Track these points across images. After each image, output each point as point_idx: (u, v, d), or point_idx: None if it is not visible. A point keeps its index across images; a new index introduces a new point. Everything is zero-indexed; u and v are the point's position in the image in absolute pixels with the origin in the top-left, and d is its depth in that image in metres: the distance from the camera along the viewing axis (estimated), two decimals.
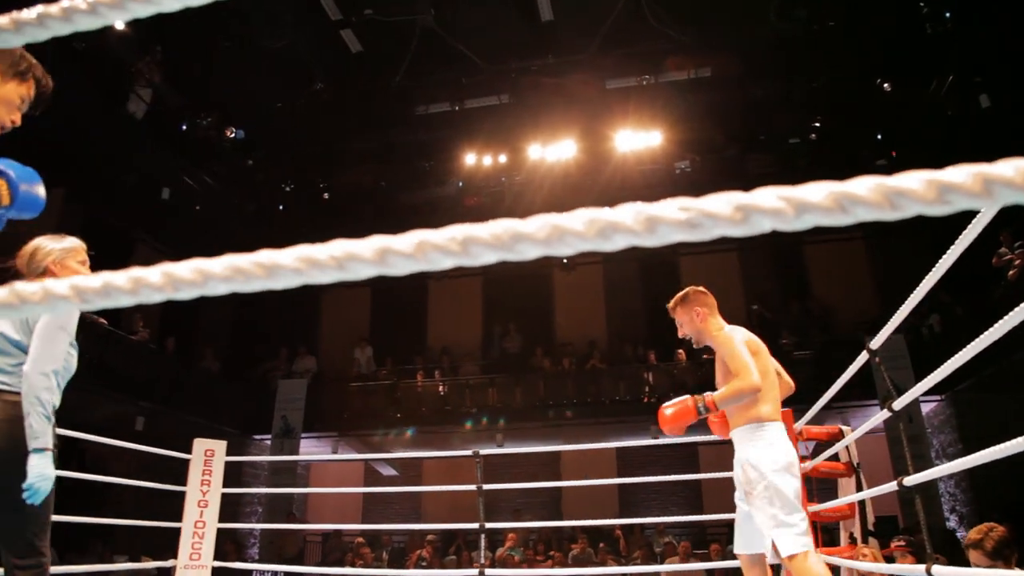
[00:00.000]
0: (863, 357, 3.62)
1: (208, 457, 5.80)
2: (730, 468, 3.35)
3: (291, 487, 12.44)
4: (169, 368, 12.26)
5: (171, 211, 12.94)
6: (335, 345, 15.63)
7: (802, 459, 4.96)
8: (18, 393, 2.28)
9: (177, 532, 5.80)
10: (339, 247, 0.51)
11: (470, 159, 14.39)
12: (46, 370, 2.33)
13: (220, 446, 5.98)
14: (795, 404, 5.38)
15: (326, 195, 15.11)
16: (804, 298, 14.15)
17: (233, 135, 13.81)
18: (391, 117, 13.70)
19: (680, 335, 3.40)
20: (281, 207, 15.13)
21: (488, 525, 5.15)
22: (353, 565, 9.20)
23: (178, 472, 5.95)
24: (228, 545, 9.81)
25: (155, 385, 11.51)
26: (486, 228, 0.47)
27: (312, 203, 14.96)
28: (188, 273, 0.53)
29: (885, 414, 3.20)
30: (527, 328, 14.86)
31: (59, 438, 2.42)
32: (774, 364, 3.33)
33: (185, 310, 14.79)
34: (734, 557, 3.30)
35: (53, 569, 3.09)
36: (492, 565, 8.77)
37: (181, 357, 13.11)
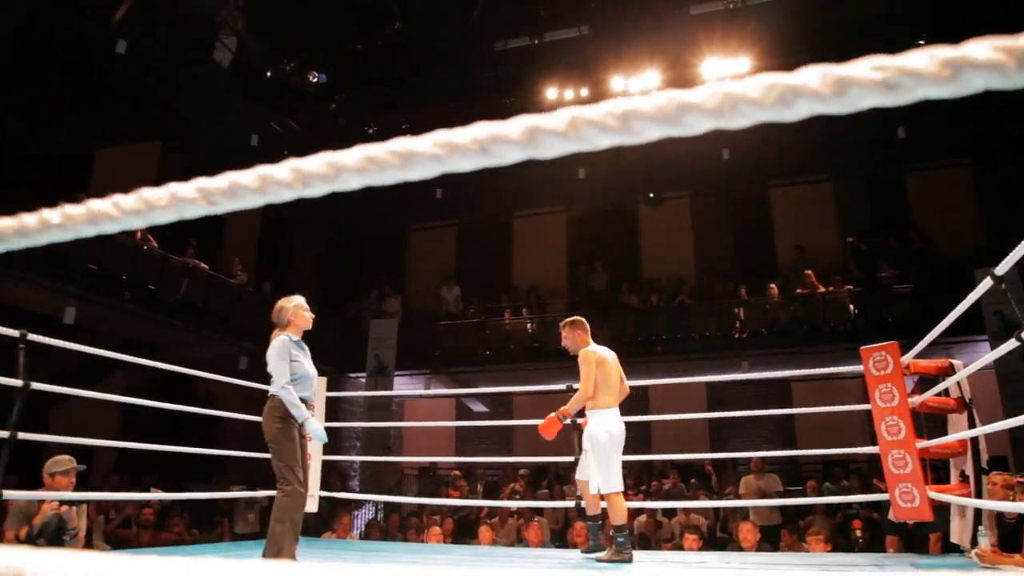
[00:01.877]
0: (984, 284, 3.38)
1: None
2: (824, 404, 5.16)
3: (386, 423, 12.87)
4: (266, 309, 12.72)
5: (260, 158, 13.17)
6: (423, 285, 15.89)
7: (909, 393, 4.76)
8: (273, 396, 3.96)
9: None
10: (483, 129, 0.46)
11: (551, 94, 14.10)
12: (280, 383, 3.93)
13: (321, 382, 6.19)
14: (899, 338, 5.14)
15: (408, 135, 15.11)
16: (904, 229, 13.42)
17: (316, 79, 13.94)
18: (470, 54, 13.52)
19: (563, 345, 4.98)
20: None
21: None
22: (449, 497, 9.48)
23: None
24: (332, 477, 10.27)
25: (255, 326, 11.98)
26: (648, 100, 0.40)
27: (396, 138, 15.00)
28: (319, 167, 0.49)
29: (1011, 345, 2.99)
30: (613, 265, 14.69)
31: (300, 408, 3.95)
32: (618, 371, 4.90)
33: (279, 255, 15.29)
34: (830, 493, 3.68)
35: (181, 495, 4.09)
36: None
37: (277, 299, 13.57)
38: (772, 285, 12.43)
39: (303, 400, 3.94)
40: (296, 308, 4.22)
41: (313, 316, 4.30)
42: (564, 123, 0.42)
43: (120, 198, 0.61)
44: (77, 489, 4.91)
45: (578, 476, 4.86)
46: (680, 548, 6.86)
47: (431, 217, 16.19)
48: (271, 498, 4.23)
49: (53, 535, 4.49)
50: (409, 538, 8.40)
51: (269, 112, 12.77)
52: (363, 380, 13.55)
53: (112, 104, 11.43)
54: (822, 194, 14.30)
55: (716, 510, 8.78)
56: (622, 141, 0.42)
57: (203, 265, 11.69)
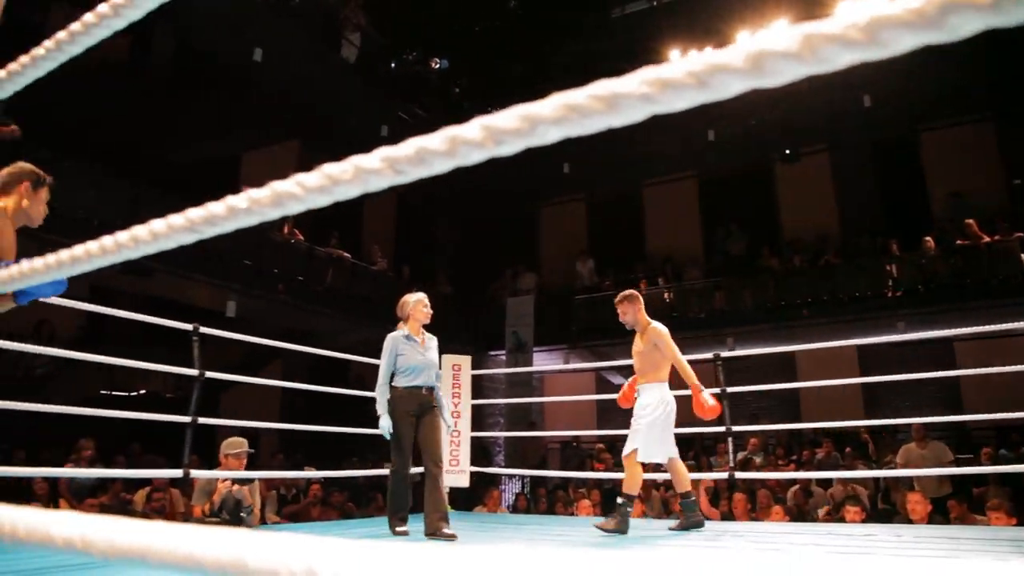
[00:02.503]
0: None
1: (456, 371, 6.18)
2: (993, 364, 4.98)
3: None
4: (406, 293, 13.19)
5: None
6: (556, 260, 15.94)
7: None
8: (395, 388, 4.49)
9: None
10: (700, 60, 0.43)
11: (675, 56, 13.70)
12: (379, 381, 4.50)
13: (466, 361, 6.36)
14: None
15: None
16: None
17: (438, 65, 14.21)
18: (588, 24, 13.33)
19: (621, 320, 4.93)
20: None
21: (735, 428, 5.03)
22: (594, 470, 9.51)
23: None
24: (478, 452, 10.55)
25: (395, 309, 12.45)
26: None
27: None
28: (512, 122, 0.47)
29: None
30: (750, 227, 14.16)
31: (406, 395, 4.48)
32: None
33: (415, 240, 15.78)
34: (1007, 461, 3.42)
35: (338, 472, 4.58)
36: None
37: (416, 283, 14.05)
38: (927, 238, 11.56)
39: (414, 387, 4.42)
40: (416, 304, 4.64)
41: (431, 312, 4.69)
42: (796, 42, 0.38)
43: (302, 176, 0.63)
44: (248, 469, 5.30)
45: (646, 457, 4.66)
46: (841, 520, 6.55)
47: (560, 193, 16.18)
48: (422, 474, 4.48)
49: (232, 511, 4.87)
50: (557, 511, 8.50)
51: (397, 102, 13.12)
52: (503, 358, 13.80)
53: (254, 109, 12.12)
54: (982, 134, 13.10)
55: (876, 480, 8.32)
56: (866, 56, 0.38)
57: (346, 254, 12.25)
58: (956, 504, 6.83)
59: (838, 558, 3.39)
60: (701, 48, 13.19)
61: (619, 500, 4.52)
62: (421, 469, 4.48)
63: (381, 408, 4.41)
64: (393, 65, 13.84)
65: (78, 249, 0.95)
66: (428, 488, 4.31)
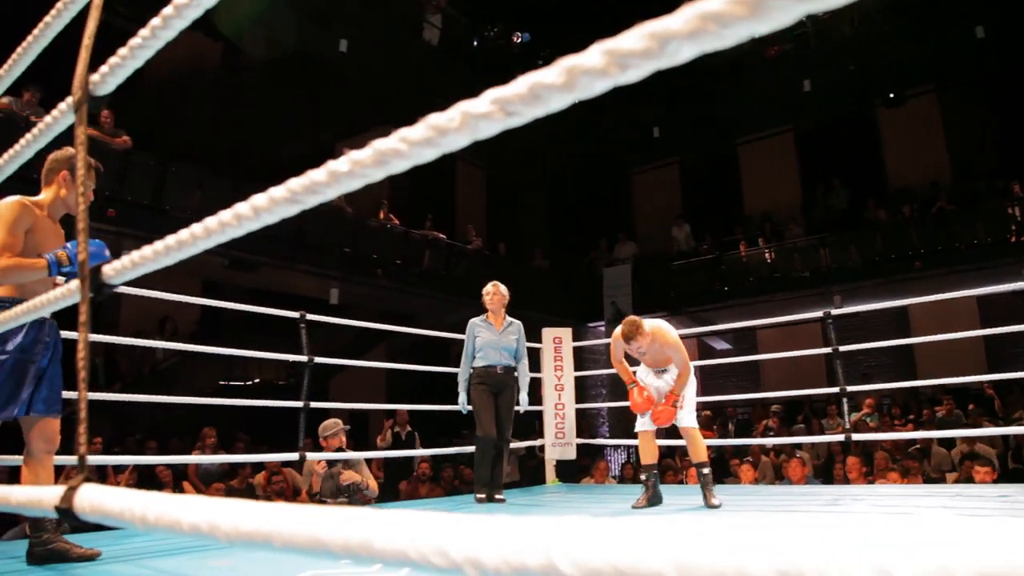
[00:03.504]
0: None
1: (556, 344, 6.19)
2: None
3: None
4: (504, 270, 13.29)
5: None
6: (652, 226, 15.67)
7: None
8: (474, 367, 5.05)
9: (538, 415, 6.33)
10: None
11: None
12: (462, 361, 5.08)
13: (566, 333, 6.35)
14: None
15: None
16: None
17: (520, 39, 14.12)
18: None
19: (641, 353, 4.33)
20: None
21: (850, 388, 4.84)
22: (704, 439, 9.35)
23: (537, 363, 6.45)
24: (582, 424, 10.56)
25: None
26: None
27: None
28: (638, 42, 0.44)
29: None
30: (853, 179, 13.48)
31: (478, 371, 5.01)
32: None
33: (508, 216, 15.84)
34: None
35: (445, 450, 6.26)
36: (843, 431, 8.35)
37: (512, 259, 14.12)
38: None
39: (489, 366, 4.92)
40: (484, 295, 5.22)
41: (497, 297, 5.16)
42: None
43: (405, 131, 0.62)
44: (356, 449, 5.47)
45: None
46: (970, 480, 6.21)
47: (652, 158, 15.87)
48: (530, 448, 4.72)
49: (351, 494, 5.02)
50: (667, 480, 8.42)
51: (483, 79, 13.09)
52: (603, 329, 13.71)
53: (344, 99, 12.38)
54: None
55: (1004, 439, 7.84)
56: None
57: (441, 235, 12.42)
58: None
59: (974, 521, 3.21)
60: None
61: (705, 471, 4.29)
62: (524, 444, 4.59)
63: (461, 386, 5.01)
64: (476, 43, 13.85)
65: (183, 233, 0.98)
66: (497, 460, 4.95)
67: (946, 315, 11.31)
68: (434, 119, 0.56)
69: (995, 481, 5.94)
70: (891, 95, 12.73)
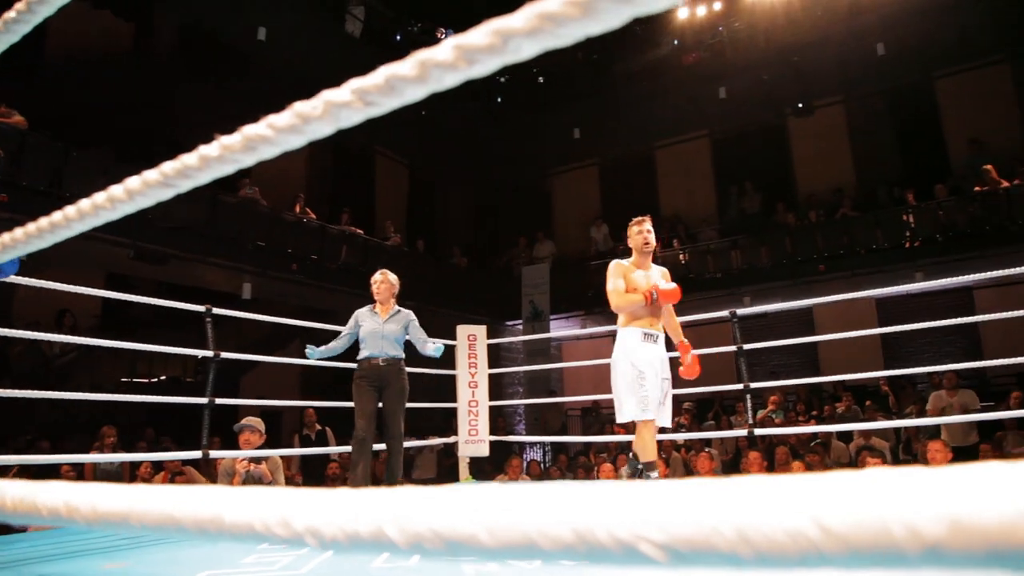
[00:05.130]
0: None
1: (471, 342, 6.20)
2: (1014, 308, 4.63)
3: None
4: (422, 267, 13.23)
5: (400, 119, 13.61)
6: (570, 227, 15.87)
7: None
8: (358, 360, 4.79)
9: (453, 412, 6.34)
10: None
11: (683, 12, 13.51)
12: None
13: (480, 331, 6.37)
14: None
15: (540, 79, 15.04)
16: None
17: (443, 35, 14.06)
18: None
19: (648, 240, 4.28)
20: (499, 99, 15.33)
21: (753, 385, 5.03)
22: (614, 434, 9.55)
23: (443, 361, 6.44)
24: (499, 421, 10.62)
25: (412, 283, 12.49)
26: None
27: (528, 90, 14.98)
28: (483, 39, 0.46)
29: None
30: (765, 184, 14.00)
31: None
32: None
33: (428, 214, 15.77)
34: None
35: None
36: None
37: (431, 256, 14.07)
38: (939, 185, 11.42)
39: (371, 357, 4.70)
40: (372, 283, 5.00)
41: (379, 285, 4.90)
42: None
43: (274, 118, 0.62)
44: (270, 447, 5.35)
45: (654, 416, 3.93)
46: None
47: (571, 159, 16.06)
48: (447, 445, 4.62)
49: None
50: (579, 476, 8.56)
51: None
52: (520, 327, 13.82)
53: (260, 88, 12.08)
54: (998, 78, 12.81)
55: (897, 432, 8.31)
56: None
57: (359, 231, 12.26)
58: (990, 451, 6.80)
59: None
60: (709, 3, 13.00)
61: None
62: (438, 441, 4.55)
63: (323, 351, 4.84)
64: (398, 37, 13.73)
65: (56, 215, 0.95)
66: (388, 458, 4.73)
67: (847, 316, 11.91)
68: (299, 107, 0.57)
69: None
70: (800, 105, 13.28)
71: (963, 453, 7.08)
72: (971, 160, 11.81)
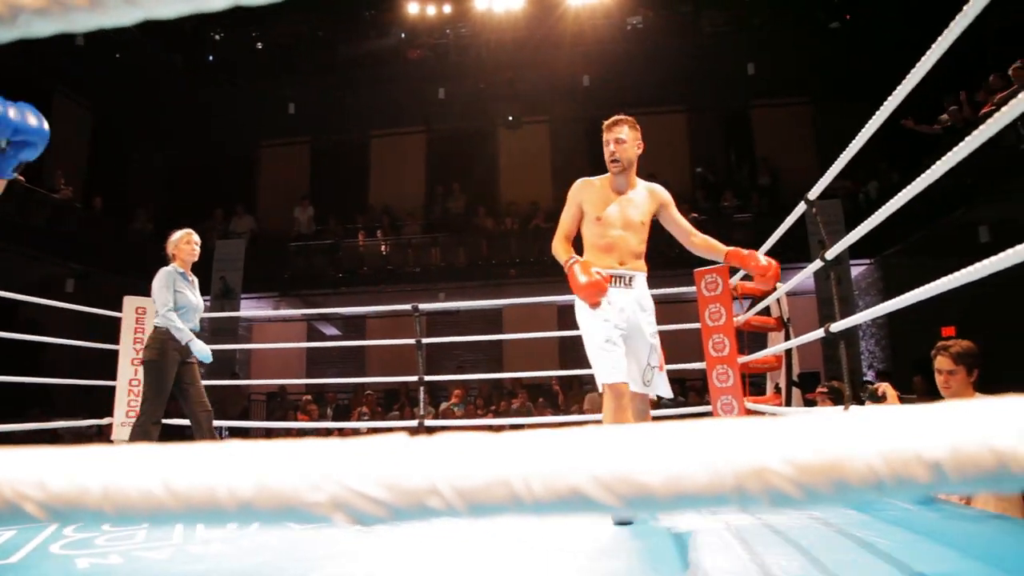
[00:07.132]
0: (800, 208, 3.67)
1: (140, 315, 5.67)
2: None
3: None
4: (98, 228, 11.83)
5: (88, 59, 12.06)
6: (274, 204, 15.19)
7: (736, 314, 5.10)
8: (157, 327, 4.08)
9: (114, 392, 5.74)
10: None
11: (413, 8, 13.68)
12: (162, 311, 4.05)
13: (151, 303, 5.84)
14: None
15: (259, 44, 14.26)
16: (750, 162, 14.18)
17: None
18: None
19: (613, 153, 3.28)
20: (211, 58, 14.25)
21: (427, 378, 5.22)
22: (298, 421, 9.36)
23: (115, 334, 5.83)
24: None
25: (84, 246, 11.11)
26: None
27: (244, 53, 14.12)
28: None
29: (817, 264, 3.26)
30: (471, 187, 14.64)
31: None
32: None
33: (114, 169, 14.12)
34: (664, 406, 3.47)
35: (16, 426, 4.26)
36: (434, 418, 9.02)
37: (111, 217, 12.63)
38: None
39: (190, 330, 4.12)
40: (177, 241, 4.27)
41: (197, 247, 4.32)
42: None
43: None
44: None
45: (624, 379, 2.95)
46: None
47: (283, 133, 15.39)
48: (101, 427, 4.18)
49: None
50: None
51: None
52: (207, 303, 12.95)
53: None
54: (675, 125, 14.75)
55: (561, 426, 9.18)
56: None
57: (20, 177, 10.60)
58: None
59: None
60: (439, 4, 13.31)
61: None
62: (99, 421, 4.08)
63: (186, 334, 4.08)
64: None
65: None
66: (200, 437, 4.13)
67: (532, 319, 12.91)
68: None
69: None
70: (511, 118, 14.11)
71: None
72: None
